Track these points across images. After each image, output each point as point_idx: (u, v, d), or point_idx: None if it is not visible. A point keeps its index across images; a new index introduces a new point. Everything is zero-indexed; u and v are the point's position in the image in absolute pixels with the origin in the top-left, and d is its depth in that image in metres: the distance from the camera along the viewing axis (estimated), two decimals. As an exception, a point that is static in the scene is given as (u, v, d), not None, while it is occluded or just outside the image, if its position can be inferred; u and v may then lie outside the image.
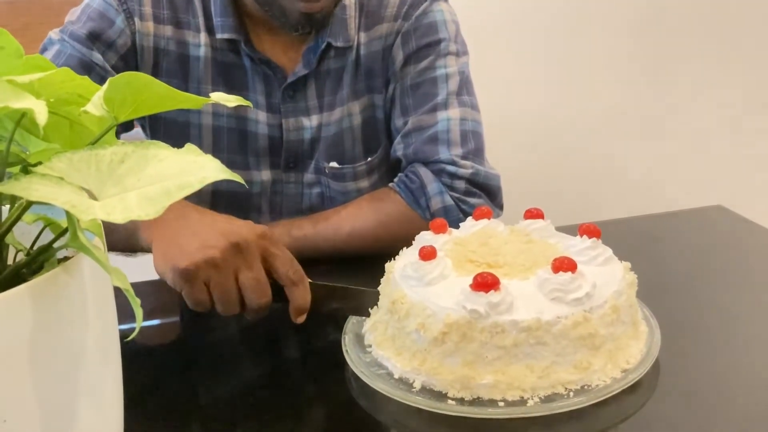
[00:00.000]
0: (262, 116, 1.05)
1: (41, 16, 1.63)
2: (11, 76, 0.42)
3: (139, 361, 0.78)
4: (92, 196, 0.40)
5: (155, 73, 1.02)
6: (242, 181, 0.39)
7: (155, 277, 1.11)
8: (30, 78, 0.43)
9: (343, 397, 0.69)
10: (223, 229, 0.77)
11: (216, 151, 1.05)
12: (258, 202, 1.09)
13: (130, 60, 1.01)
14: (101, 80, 1.01)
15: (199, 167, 0.40)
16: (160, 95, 0.46)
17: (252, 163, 1.07)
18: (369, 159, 1.09)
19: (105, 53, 0.99)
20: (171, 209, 0.82)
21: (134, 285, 0.92)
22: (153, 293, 0.98)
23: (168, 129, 1.06)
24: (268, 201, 1.10)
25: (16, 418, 0.41)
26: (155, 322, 0.90)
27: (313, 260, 0.97)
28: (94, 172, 0.41)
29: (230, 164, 1.04)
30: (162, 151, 0.42)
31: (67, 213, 0.40)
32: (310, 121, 1.06)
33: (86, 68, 0.97)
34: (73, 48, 0.98)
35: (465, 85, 1.07)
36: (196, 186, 0.39)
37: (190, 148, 0.42)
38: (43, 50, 1.01)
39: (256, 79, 1.04)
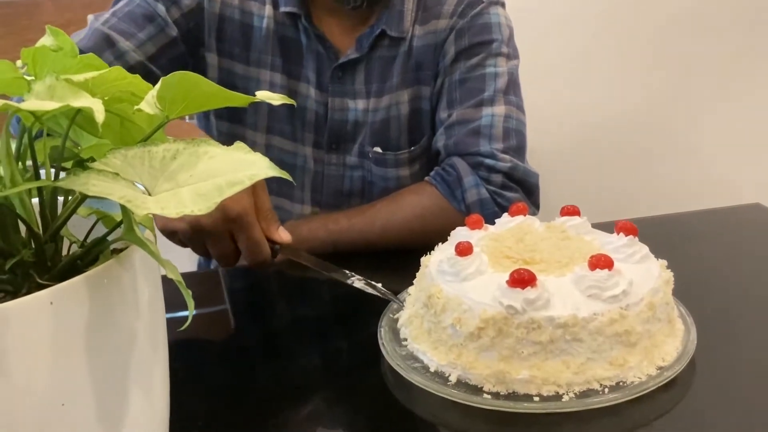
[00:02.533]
0: (311, 92, 1.08)
1: (84, 11, 1.67)
2: (68, 75, 0.44)
3: (182, 349, 0.80)
4: (146, 192, 0.42)
5: (218, 37, 1.07)
6: (290, 177, 0.41)
7: (190, 268, 1.14)
8: (85, 77, 0.45)
9: (379, 390, 0.70)
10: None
11: (271, 119, 1.10)
12: (301, 178, 1.12)
13: (192, 20, 1.05)
14: (159, 31, 1.07)
15: (249, 164, 0.41)
16: (209, 93, 0.48)
17: (299, 136, 1.10)
18: (412, 148, 1.11)
19: (169, 8, 1.04)
20: None
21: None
22: (194, 285, 1.01)
23: None
24: (311, 179, 1.12)
25: (73, 402, 0.43)
26: (196, 311, 0.92)
27: (348, 255, 0.99)
28: (148, 168, 0.43)
29: (281, 132, 1.09)
30: (212, 148, 0.44)
31: (123, 207, 0.42)
32: (356, 105, 1.08)
33: (148, 18, 1.02)
34: None
35: (513, 87, 1.08)
36: (247, 183, 0.40)
37: (239, 145, 0.43)
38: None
39: (309, 56, 1.07)
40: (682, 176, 1.98)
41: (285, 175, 0.40)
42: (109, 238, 0.46)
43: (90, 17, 1.06)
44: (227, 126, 1.12)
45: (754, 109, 1.98)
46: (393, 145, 1.11)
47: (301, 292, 0.96)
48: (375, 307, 0.80)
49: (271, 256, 0.85)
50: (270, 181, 1.11)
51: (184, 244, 0.89)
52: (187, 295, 0.40)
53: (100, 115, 0.40)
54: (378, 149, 1.10)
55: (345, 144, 1.11)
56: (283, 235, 0.86)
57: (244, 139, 1.10)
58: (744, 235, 1.05)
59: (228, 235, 0.82)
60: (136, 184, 0.42)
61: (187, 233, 0.83)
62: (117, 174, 0.42)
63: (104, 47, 0.99)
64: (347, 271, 0.83)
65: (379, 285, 0.81)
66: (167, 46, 1.04)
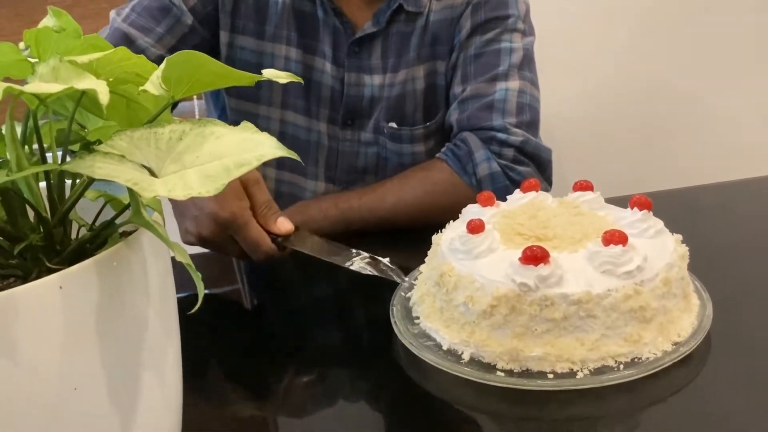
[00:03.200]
0: (327, 67, 1.07)
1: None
2: (72, 56, 0.44)
3: (196, 329, 0.80)
4: (152, 174, 0.42)
5: (233, 14, 1.06)
6: (297, 158, 0.40)
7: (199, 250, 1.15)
8: (89, 58, 0.45)
9: (391, 369, 0.70)
10: (194, 216, 0.83)
11: (285, 93, 1.09)
12: (315, 155, 1.12)
13: (209, 4, 1.05)
14: (176, 21, 1.07)
15: (257, 145, 0.41)
16: (215, 73, 0.47)
17: (314, 112, 1.09)
18: (428, 124, 1.11)
19: None
20: None
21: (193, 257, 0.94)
22: (202, 265, 1.01)
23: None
24: (325, 156, 1.12)
25: (85, 386, 0.43)
26: (208, 292, 0.92)
27: (359, 233, 0.99)
28: (154, 149, 0.42)
29: (296, 108, 1.08)
30: (219, 128, 0.43)
31: (130, 190, 0.41)
32: (372, 80, 1.07)
33: (165, 10, 1.02)
34: None
35: (528, 62, 1.07)
36: (254, 164, 0.39)
37: (246, 125, 0.43)
38: None
39: (326, 31, 1.06)
40: (698, 150, 1.95)
41: (293, 155, 0.39)
42: (117, 221, 0.46)
43: (112, 13, 1.06)
44: (240, 103, 1.11)
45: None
46: (408, 120, 1.10)
47: (314, 271, 0.96)
48: (388, 286, 0.80)
49: (276, 249, 0.84)
50: (283, 158, 1.11)
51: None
52: (197, 277, 0.40)
53: (104, 97, 0.39)
54: (393, 125, 1.09)
55: (360, 120, 1.11)
56: (281, 226, 0.84)
57: (257, 116, 1.09)
58: (762, 209, 1.03)
59: (231, 239, 0.83)
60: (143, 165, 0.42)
61: (199, 244, 0.85)
62: (123, 156, 0.41)
63: (125, 46, 0.99)
64: (353, 250, 0.81)
65: (386, 260, 0.80)
66: (186, 36, 1.04)
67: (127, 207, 0.45)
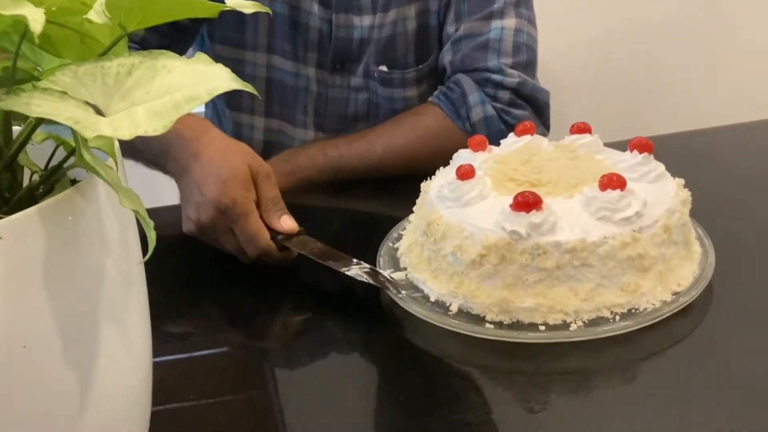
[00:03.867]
0: (314, 8, 1.01)
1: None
2: (8, -18, 0.39)
3: (176, 282, 0.78)
4: (99, 112, 0.38)
5: None
6: (254, 91, 0.36)
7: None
8: (29, -16, 0.40)
9: (378, 321, 0.68)
10: (197, 202, 0.78)
11: (271, 37, 1.04)
12: (304, 101, 1.07)
13: None
14: None
15: (209, 77, 0.37)
16: (170, 1, 0.43)
17: (301, 56, 1.04)
18: (420, 66, 1.05)
19: None
20: (190, 143, 0.78)
21: (168, 210, 0.91)
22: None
23: (224, 16, 1.03)
24: (314, 102, 1.07)
25: (35, 343, 0.40)
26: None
27: (348, 183, 0.95)
28: (101, 85, 0.38)
29: (283, 52, 1.03)
30: (171, 61, 0.39)
31: (73, 130, 0.37)
32: (361, 21, 1.02)
33: None
34: None
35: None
36: (205, 97, 0.35)
37: (200, 56, 0.39)
38: None
39: None
40: (702, 94, 1.89)
41: (249, 88, 0.35)
42: (66, 165, 0.42)
43: None
44: (225, 49, 1.06)
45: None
46: (399, 63, 1.04)
47: (300, 221, 0.92)
48: (377, 237, 0.77)
49: (274, 247, 0.76)
50: (271, 105, 1.07)
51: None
52: (148, 226, 0.37)
53: (36, 25, 0.35)
54: (384, 68, 1.04)
55: (350, 64, 1.05)
56: (284, 224, 0.77)
57: (243, 62, 1.04)
58: (765, 153, 0.99)
59: (229, 230, 0.77)
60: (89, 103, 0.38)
61: (198, 233, 0.79)
62: (65, 93, 0.37)
63: None
64: (354, 260, 0.74)
65: (387, 272, 0.71)
66: None
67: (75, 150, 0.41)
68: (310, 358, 0.67)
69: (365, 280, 0.68)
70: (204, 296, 0.78)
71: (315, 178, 0.93)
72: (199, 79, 0.37)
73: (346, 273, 0.70)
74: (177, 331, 0.69)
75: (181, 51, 1.07)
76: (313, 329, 0.71)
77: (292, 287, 0.77)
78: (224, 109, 1.11)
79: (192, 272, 0.83)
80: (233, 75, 0.36)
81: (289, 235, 0.77)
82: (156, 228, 0.39)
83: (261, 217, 0.77)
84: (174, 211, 0.98)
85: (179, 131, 0.81)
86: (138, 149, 0.89)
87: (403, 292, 0.68)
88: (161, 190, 1.05)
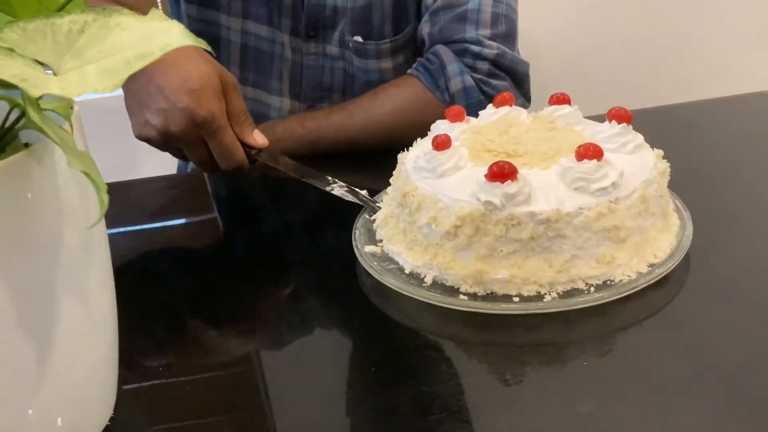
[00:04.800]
0: None
1: None
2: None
3: (137, 261, 0.76)
4: (51, 72, 0.36)
5: None
6: (208, 47, 0.34)
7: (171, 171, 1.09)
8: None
9: (353, 294, 0.66)
10: (163, 109, 0.74)
11: (245, 1, 1.01)
12: (280, 68, 1.05)
13: None
14: None
15: (162, 33, 0.35)
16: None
17: (275, 21, 1.02)
18: (396, 37, 1.03)
19: None
20: None
21: (147, 181, 0.90)
22: (167, 188, 0.96)
23: None
24: (289, 70, 1.05)
25: (-12, 312, 0.38)
26: (165, 222, 0.88)
27: (327, 155, 0.93)
28: (51, 43, 0.37)
29: (257, 17, 1.01)
30: (125, 18, 0.37)
31: (21, 90, 0.36)
32: None
33: None
34: None
35: None
36: (157, 54, 0.34)
37: (155, 13, 0.37)
38: None
39: None
40: (684, 65, 1.88)
41: (202, 43, 0.34)
42: (18, 127, 0.41)
43: None
44: (198, 10, 1.03)
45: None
46: (375, 33, 1.02)
47: (278, 193, 0.91)
48: (354, 209, 0.75)
49: (247, 162, 0.79)
50: (245, 71, 1.05)
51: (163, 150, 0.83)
52: (100, 190, 0.35)
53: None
54: (359, 38, 1.02)
55: (324, 31, 1.03)
56: (258, 138, 0.80)
57: (219, 25, 1.02)
58: (747, 125, 0.98)
59: (200, 141, 0.76)
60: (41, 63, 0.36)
61: (159, 140, 0.77)
62: (12, 50, 0.36)
63: None
64: (329, 177, 0.77)
65: (363, 192, 0.75)
66: None
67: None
68: (285, 330, 0.66)
69: (349, 199, 0.73)
70: (178, 272, 0.76)
71: (292, 149, 0.92)
72: (152, 35, 0.35)
73: (331, 192, 0.72)
74: (157, 308, 0.68)
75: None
76: (287, 301, 0.70)
77: (267, 261, 0.75)
78: None
79: (169, 246, 0.82)
80: (186, 31, 0.35)
81: (258, 148, 0.80)
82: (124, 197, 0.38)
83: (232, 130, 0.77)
84: (153, 182, 0.97)
85: None
86: None
87: (377, 208, 0.72)
88: (142, 164, 1.03)
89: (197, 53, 0.79)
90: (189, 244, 0.82)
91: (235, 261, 0.76)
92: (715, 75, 1.81)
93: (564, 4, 1.81)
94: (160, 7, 1.16)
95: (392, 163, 0.74)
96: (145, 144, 0.86)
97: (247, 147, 0.80)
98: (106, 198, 0.35)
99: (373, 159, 0.90)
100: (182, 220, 0.90)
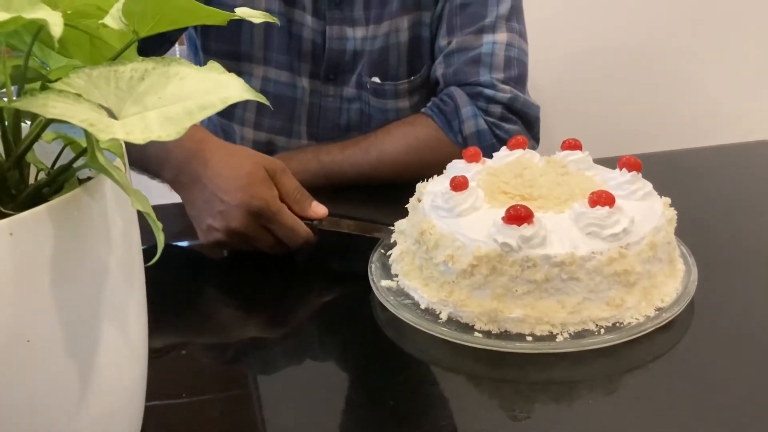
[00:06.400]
0: (308, 20, 1.02)
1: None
2: (27, -15, 0.40)
3: (166, 284, 0.78)
4: (111, 115, 0.39)
5: None
6: (266, 102, 0.37)
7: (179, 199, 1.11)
8: (46, -13, 0.41)
9: (368, 327, 0.69)
10: (221, 211, 0.78)
11: (267, 49, 1.04)
12: (299, 111, 1.08)
13: None
14: None
15: (222, 86, 0.38)
16: (183, 9, 0.44)
17: (295, 66, 1.05)
18: (412, 78, 1.07)
19: None
20: (194, 152, 0.77)
21: (161, 207, 0.92)
22: (181, 215, 0.98)
23: (219, 27, 1.04)
24: (307, 112, 1.07)
25: (39, 338, 0.41)
26: (183, 244, 0.90)
27: (341, 189, 0.96)
28: (114, 89, 0.40)
29: (278, 63, 1.04)
30: (183, 68, 0.40)
31: (86, 132, 0.38)
32: (354, 33, 1.03)
33: None
34: None
35: (516, 13, 1.03)
36: (219, 106, 0.37)
37: (212, 65, 0.40)
38: None
39: None
40: (689, 111, 1.92)
41: (261, 98, 0.37)
42: (76, 165, 0.43)
43: None
44: (220, 62, 1.06)
45: (762, 45, 1.91)
46: (392, 74, 1.06)
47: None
48: (368, 243, 0.78)
49: (312, 235, 0.80)
50: (261, 118, 1.07)
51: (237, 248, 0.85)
52: (157, 228, 0.38)
53: (56, 29, 0.36)
54: (376, 79, 1.05)
55: (343, 75, 1.06)
56: (318, 210, 0.81)
57: (240, 73, 1.05)
58: (750, 173, 1.02)
59: (264, 230, 0.79)
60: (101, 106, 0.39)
61: (226, 240, 0.79)
62: (80, 95, 0.38)
63: None
64: (392, 227, 0.78)
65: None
66: None
67: (84, 151, 0.42)
68: (295, 361, 0.67)
69: None
70: (196, 300, 0.78)
71: (307, 182, 0.94)
72: (211, 87, 0.38)
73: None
74: (166, 332, 0.70)
75: (156, 55, 1.07)
76: (304, 334, 0.72)
77: (284, 293, 0.77)
78: (215, 116, 1.12)
79: (188, 273, 0.84)
80: (246, 85, 0.37)
81: (320, 219, 0.81)
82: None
83: (290, 209, 0.79)
84: (163, 209, 0.99)
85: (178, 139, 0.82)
86: (128, 151, 0.89)
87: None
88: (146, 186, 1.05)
89: (239, 151, 0.83)
90: (199, 272, 0.84)
91: (247, 291, 0.78)
92: (716, 123, 1.85)
93: (570, 50, 1.85)
94: (178, 56, 1.19)
95: (404, 198, 0.76)
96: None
97: (308, 220, 0.81)
98: (162, 237, 0.37)
99: (386, 192, 0.93)
100: (191, 246, 0.92)
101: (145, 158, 0.87)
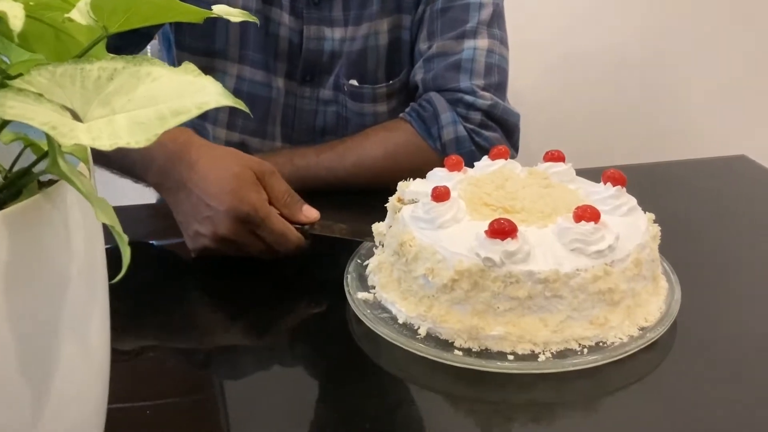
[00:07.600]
0: (285, 18, 0.99)
1: None
2: (-13, -27, 0.37)
3: (133, 286, 0.75)
4: (76, 117, 0.36)
5: None
6: (246, 109, 0.34)
7: (152, 200, 1.07)
8: (8, -24, 0.38)
9: (343, 341, 0.66)
10: (208, 217, 0.75)
11: (242, 47, 1.01)
12: (274, 112, 1.04)
13: None
14: None
15: (198, 90, 0.35)
16: (156, 4, 0.41)
17: (271, 65, 1.02)
18: (390, 82, 1.04)
19: None
20: (179, 155, 0.74)
21: (128, 209, 0.88)
22: (149, 217, 0.95)
23: (195, 24, 1.00)
24: (281, 114, 1.04)
25: (-8, 354, 0.37)
26: (152, 243, 0.86)
27: (316, 194, 0.93)
28: (79, 89, 0.36)
29: (253, 62, 1.01)
30: (156, 68, 0.37)
31: (47, 136, 0.35)
32: (332, 33, 1.00)
33: None
34: None
35: (497, 19, 1.01)
36: (194, 112, 0.34)
37: (187, 67, 0.37)
38: None
39: None
40: (669, 124, 1.93)
41: (240, 104, 0.34)
42: (36, 169, 0.40)
43: None
44: (194, 58, 1.02)
45: (744, 60, 1.93)
46: (370, 77, 1.03)
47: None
48: (344, 252, 0.75)
49: (303, 239, 0.77)
50: (235, 118, 1.04)
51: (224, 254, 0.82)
52: (122, 240, 0.35)
53: (16, 21, 0.33)
54: (354, 82, 1.03)
55: (320, 76, 1.03)
56: (308, 214, 0.79)
57: (213, 70, 1.01)
58: (728, 187, 1.01)
59: (252, 235, 0.75)
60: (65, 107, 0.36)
61: (214, 246, 0.76)
62: (41, 95, 0.35)
63: None
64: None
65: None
66: None
67: (45, 154, 0.39)
68: (271, 375, 0.65)
69: None
70: (168, 304, 0.75)
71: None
72: (187, 90, 0.35)
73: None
74: (134, 334, 0.67)
75: (133, 53, 1.03)
76: (278, 348, 0.69)
77: (258, 300, 0.75)
78: None
79: (157, 279, 0.80)
80: (224, 90, 0.35)
81: (311, 223, 0.78)
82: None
83: (280, 213, 0.76)
84: (135, 210, 0.96)
85: (161, 141, 0.78)
86: (107, 156, 0.85)
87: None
88: (123, 193, 1.01)
89: (225, 153, 0.80)
90: (173, 280, 0.81)
91: (220, 300, 0.75)
92: (693, 136, 1.86)
93: (550, 60, 1.85)
94: (149, 52, 1.16)
95: (381, 205, 0.73)
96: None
97: (298, 224, 0.78)
98: (128, 252, 0.35)
99: (363, 199, 0.91)
100: (164, 251, 0.88)
101: (130, 165, 0.84)
